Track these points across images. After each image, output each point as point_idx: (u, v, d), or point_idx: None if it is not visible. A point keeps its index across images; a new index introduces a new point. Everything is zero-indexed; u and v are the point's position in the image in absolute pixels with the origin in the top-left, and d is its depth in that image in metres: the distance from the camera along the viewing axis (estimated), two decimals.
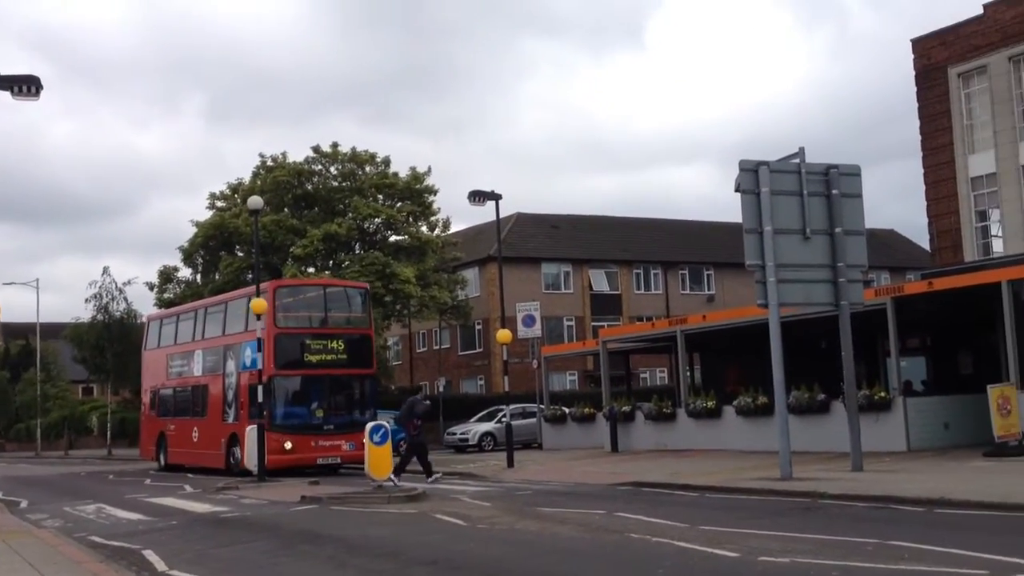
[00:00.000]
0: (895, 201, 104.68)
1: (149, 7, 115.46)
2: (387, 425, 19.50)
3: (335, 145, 45.55)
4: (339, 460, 26.84)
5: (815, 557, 9.33)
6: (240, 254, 45.01)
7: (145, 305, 55.32)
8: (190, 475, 28.36)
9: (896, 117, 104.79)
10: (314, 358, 26.96)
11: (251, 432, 25.14)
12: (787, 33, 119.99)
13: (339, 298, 29.65)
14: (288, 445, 25.86)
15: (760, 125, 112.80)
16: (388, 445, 18.89)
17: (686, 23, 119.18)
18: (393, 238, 44.70)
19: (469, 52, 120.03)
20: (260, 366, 24.84)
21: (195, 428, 30.25)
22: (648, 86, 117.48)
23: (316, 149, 45.42)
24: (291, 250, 42.85)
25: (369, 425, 19.43)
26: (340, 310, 29.33)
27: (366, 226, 44.49)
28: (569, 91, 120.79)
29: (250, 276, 42.51)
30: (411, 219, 44.38)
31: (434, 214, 45.45)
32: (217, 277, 44.86)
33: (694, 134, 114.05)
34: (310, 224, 43.33)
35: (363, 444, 23.08)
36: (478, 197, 27.15)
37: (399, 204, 44.83)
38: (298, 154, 46.24)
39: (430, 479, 21.54)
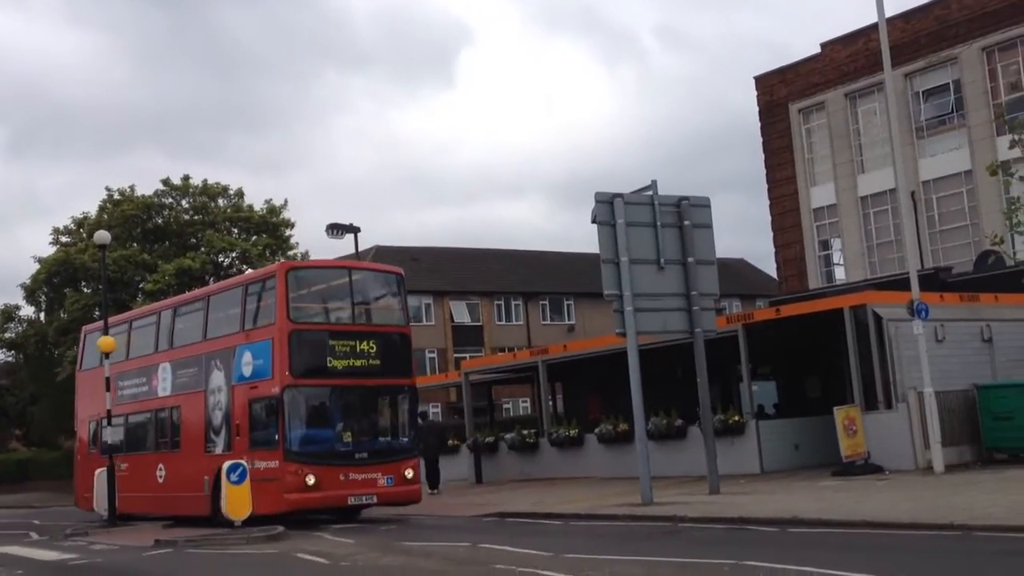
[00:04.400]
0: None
1: None
2: (245, 463, 18.78)
3: (186, 178, 44.63)
4: (375, 499, 19.99)
5: None
6: (87, 290, 43.33)
7: None
8: (36, 523, 26.94)
9: (710, 151, 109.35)
10: (339, 363, 20.31)
11: (100, 474, 23.98)
12: (592, 71, 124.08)
13: (369, 286, 22.75)
14: (311, 480, 19.15)
15: (578, 159, 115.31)
16: (247, 484, 18.31)
17: (493, 60, 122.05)
18: (249, 272, 43.79)
19: (277, 86, 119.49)
20: (270, 375, 19.67)
21: (161, 465, 23.44)
22: (463, 121, 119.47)
23: (166, 182, 44.38)
24: (141, 286, 41.52)
25: (226, 464, 18.60)
26: (371, 302, 22.57)
27: (220, 260, 43.49)
28: (386, 126, 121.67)
29: (97, 313, 41.10)
30: (268, 253, 43.61)
31: (292, 248, 44.83)
32: (63, 315, 43.07)
33: (517, 168, 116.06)
34: (161, 259, 42.11)
35: (403, 478, 19.98)
36: (336, 230, 26.92)
37: (254, 238, 44.04)
38: (140, 187, 44.78)
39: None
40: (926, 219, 33.37)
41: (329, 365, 20.21)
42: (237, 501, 18.19)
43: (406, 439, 20.97)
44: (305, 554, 14.18)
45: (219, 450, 21.15)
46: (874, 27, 25.07)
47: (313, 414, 20.27)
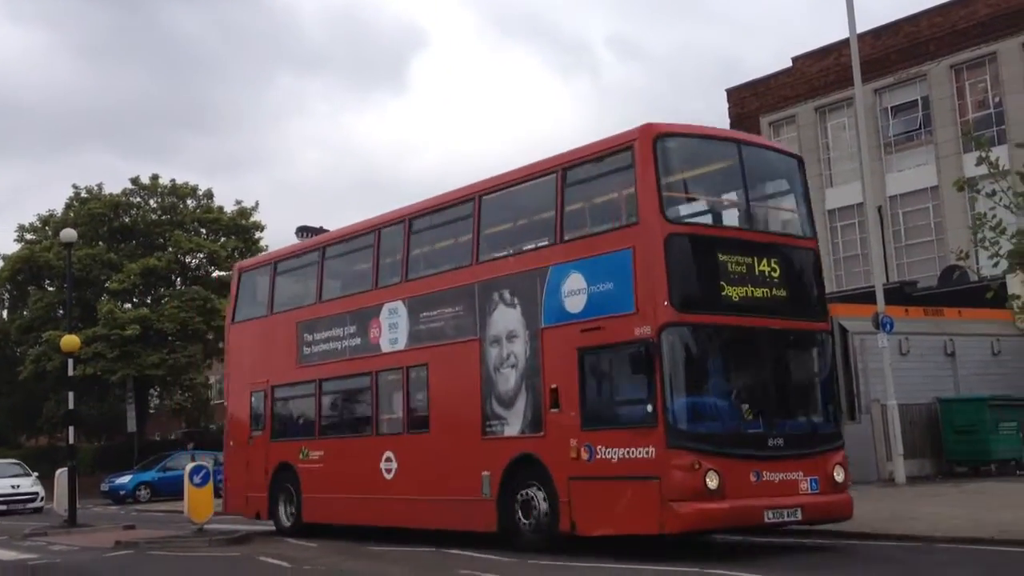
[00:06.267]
0: None
1: None
2: (208, 466, 18.66)
3: (155, 177, 44.27)
4: (799, 514, 12.00)
5: None
6: (51, 288, 42.95)
7: None
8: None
9: None
10: (735, 292, 12.42)
11: (61, 475, 23.65)
12: (547, 80, 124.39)
13: (765, 172, 14.42)
14: (713, 481, 11.41)
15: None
16: (210, 486, 18.16)
17: (448, 66, 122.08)
18: (216, 273, 43.47)
19: (230, 87, 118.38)
20: (630, 307, 12.11)
21: (389, 454, 15.80)
22: (418, 126, 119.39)
23: (135, 181, 44.02)
24: (106, 284, 41.15)
25: (189, 466, 18.43)
26: (765, 198, 14.58)
27: (187, 260, 43.21)
28: (341, 130, 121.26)
29: (61, 312, 40.67)
30: (236, 254, 43.35)
31: (261, 250, 44.59)
32: (26, 313, 42.64)
33: (473, 175, 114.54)
34: (127, 258, 41.75)
35: (831, 481, 12.45)
36: (307, 233, 26.79)
37: (223, 239, 43.75)
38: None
39: None
40: (892, 233, 33.72)
41: (723, 294, 12.40)
42: (199, 503, 18.04)
43: (827, 417, 13.08)
44: (267, 557, 14.10)
45: (512, 430, 13.61)
46: (845, 43, 25.34)
47: (704, 373, 12.44)
